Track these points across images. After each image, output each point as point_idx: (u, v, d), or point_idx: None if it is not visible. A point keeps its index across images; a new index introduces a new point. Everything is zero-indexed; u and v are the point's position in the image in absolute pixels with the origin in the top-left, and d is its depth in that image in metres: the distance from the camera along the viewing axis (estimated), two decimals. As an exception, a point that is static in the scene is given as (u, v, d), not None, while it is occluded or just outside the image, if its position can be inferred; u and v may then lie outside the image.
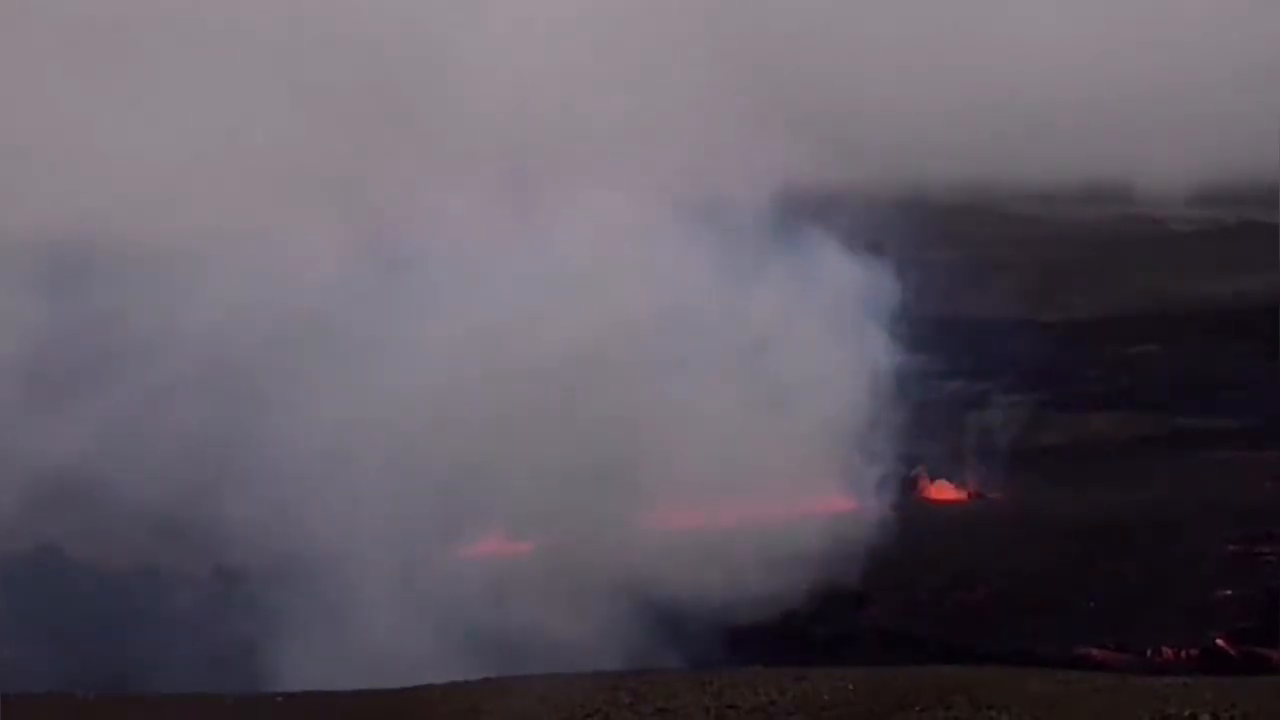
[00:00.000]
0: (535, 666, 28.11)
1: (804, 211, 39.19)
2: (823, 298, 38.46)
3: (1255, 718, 21.93)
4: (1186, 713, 22.06)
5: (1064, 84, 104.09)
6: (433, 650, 30.04)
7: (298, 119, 38.45)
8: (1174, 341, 63.19)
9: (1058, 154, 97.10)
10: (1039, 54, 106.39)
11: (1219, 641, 29.44)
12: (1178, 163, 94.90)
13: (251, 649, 30.46)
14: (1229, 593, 32.31)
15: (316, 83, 39.02)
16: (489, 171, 37.62)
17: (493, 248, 36.19)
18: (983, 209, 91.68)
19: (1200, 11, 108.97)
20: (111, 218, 35.89)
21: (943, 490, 42.75)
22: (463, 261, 36.00)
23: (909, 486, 42.16)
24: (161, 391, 33.90)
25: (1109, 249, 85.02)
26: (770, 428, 36.55)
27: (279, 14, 41.42)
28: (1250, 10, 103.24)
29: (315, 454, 33.52)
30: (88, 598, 32.20)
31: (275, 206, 36.40)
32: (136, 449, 32.98)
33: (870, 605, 33.18)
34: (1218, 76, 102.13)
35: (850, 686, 23.79)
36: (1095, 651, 29.42)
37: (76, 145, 37.58)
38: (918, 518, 40.05)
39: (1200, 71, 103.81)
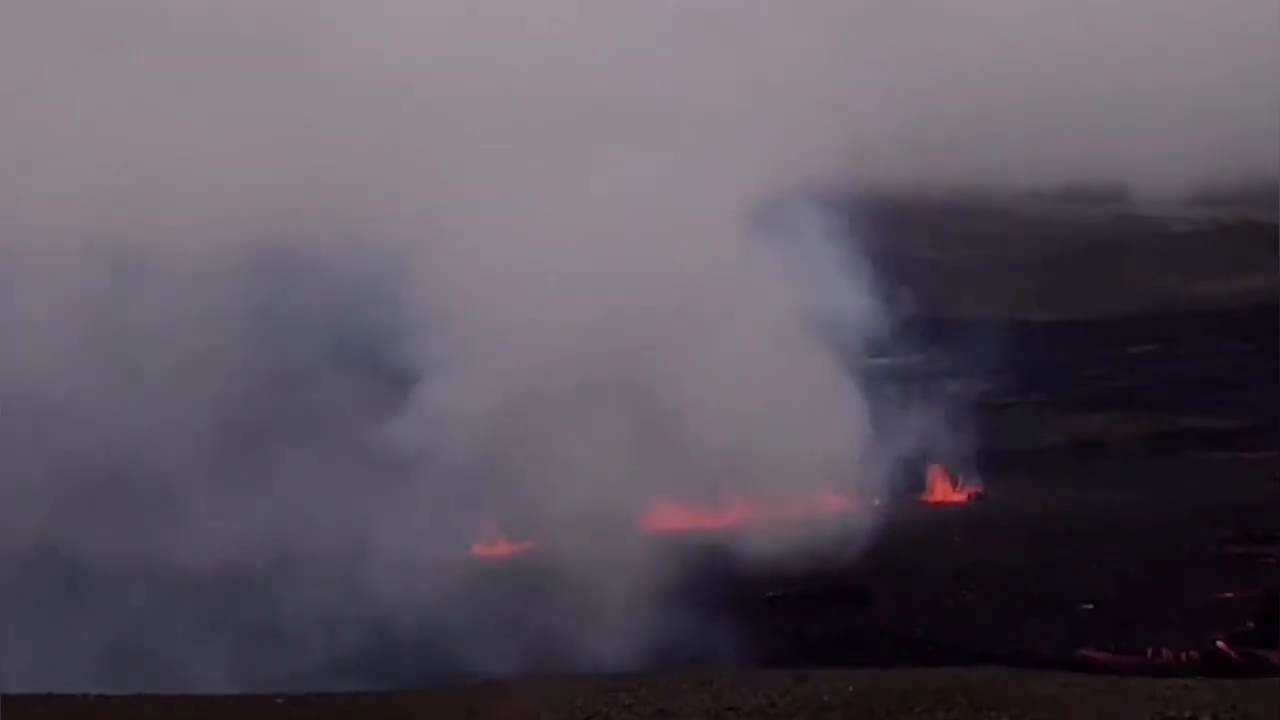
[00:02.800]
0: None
1: (803, 209, 39.13)
2: (822, 297, 38.42)
3: (1256, 720, 21.92)
4: (1187, 715, 22.03)
5: (1063, 83, 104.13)
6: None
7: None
8: (1174, 341, 63.20)
9: (1057, 154, 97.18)
10: (1037, 53, 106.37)
11: (1219, 644, 29.36)
12: (1177, 163, 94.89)
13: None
14: (1229, 594, 32.26)
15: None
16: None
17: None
18: (983, 209, 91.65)
19: (1200, 11, 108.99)
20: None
21: (943, 490, 42.73)
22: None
23: (908, 486, 42.12)
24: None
25: (1109, 249, 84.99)
26: (769, 427, 36.49)
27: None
28: (1250, 10, 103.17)
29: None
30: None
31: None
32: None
33: (870, 605, 33.13)
34: (1218, 76, 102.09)
35: (850, 687, 23.75)
36: (1095, 653, 29.34)
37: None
38: (918, 518, 40.05)
39: (1200, 71, 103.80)
